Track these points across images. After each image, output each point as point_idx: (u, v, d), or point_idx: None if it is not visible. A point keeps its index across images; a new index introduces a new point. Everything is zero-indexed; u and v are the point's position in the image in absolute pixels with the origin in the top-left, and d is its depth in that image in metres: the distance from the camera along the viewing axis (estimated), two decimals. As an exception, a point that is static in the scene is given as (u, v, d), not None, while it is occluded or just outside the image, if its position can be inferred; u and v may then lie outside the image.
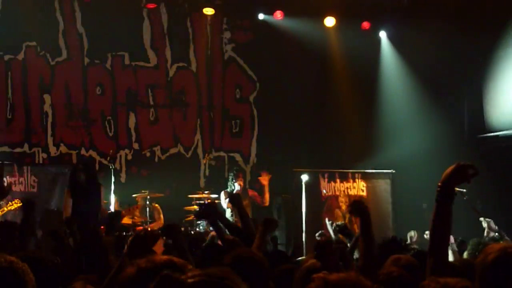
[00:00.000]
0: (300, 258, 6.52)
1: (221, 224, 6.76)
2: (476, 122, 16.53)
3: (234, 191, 13.47)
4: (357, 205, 5.26)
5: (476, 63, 16.31)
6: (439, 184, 3.94)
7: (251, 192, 13.87)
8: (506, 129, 15.54)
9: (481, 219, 11.60)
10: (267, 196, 13.81)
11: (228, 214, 13.14)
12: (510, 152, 15.30)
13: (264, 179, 13.74)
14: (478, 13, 15.51)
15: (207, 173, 16.22)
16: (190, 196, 14.12)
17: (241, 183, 13.69)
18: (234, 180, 13.87)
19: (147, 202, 13.48)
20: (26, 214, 6.58)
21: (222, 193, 13.68)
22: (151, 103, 15.97)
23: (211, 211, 6.47)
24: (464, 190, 14.66)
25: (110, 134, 15.59)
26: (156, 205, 13.61)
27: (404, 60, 17.10)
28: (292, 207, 14.64)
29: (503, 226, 11.62)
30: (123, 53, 15.78)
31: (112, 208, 12.75)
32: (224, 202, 13.46)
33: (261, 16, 16.50)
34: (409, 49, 16.84)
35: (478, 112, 16.49)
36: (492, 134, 16.03)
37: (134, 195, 13.65)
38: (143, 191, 13.58)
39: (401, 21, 16.74)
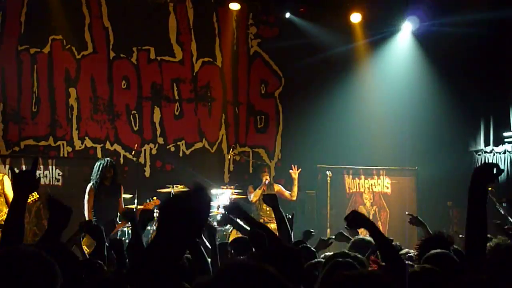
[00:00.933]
0: (325, 254, 6.41)
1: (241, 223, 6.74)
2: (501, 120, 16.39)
3: (261, 185, 13.50)
4: (354, 218, 4.97)
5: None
6: (471, 185, 3.92)
7: (277, 187, 13.82)
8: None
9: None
10: (295, 189, 13.77)
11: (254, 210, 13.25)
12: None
13: (294, 173, 13.69)
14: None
15: (231, 169, 16.20)
16: (213, 191, 14.08)
17: (267, 178, 13.63)
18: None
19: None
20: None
21: (249, 188, 13.73)
22: (176, 97, 15.96)
23: (236, 210, 6.39)
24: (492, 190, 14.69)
25: (135, 128, 15.60)
26: None
27: (426, 58, 16.98)
28: (316, 203, 14.62)
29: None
30: (148, 48, 15.78)
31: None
32: (250, 196, 13.55)
33: (287, 15, 16.42)
34: (433, 48, 16.73)
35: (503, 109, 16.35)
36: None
37: (158, 190, 13.63)
38: (167, 186, 13.56)
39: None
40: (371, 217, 13.47)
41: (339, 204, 14.64)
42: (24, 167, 13.10)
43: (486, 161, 15.78)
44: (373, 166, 15.67)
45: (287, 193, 13.75)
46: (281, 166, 16.45)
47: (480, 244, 3.99)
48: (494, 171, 3.99)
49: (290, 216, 6.79)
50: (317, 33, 16.32)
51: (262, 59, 16.74)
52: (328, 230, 13.79)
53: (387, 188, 15.51)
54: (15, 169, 10.99)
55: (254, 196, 13.51)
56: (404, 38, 16.93)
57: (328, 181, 14.08)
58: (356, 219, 4.94)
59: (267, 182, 13.58)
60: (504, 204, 14.44)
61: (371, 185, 15.48)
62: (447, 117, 16.36)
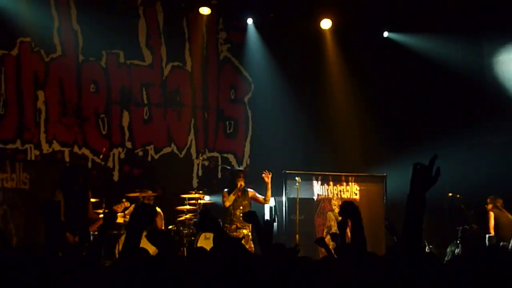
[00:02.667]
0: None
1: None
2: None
3: (235, 191, 13.40)
4: (348, 207, 5.28)
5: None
6: (410, 193, 3.75)
7: (251, 193, 13.75)
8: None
9: None
10: (269, 193, 13.67)
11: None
12: None
13: (267, 177, 13.63)
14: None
15: (200, 174, 16.16)
16: (182, 196, 14.03)
17: (242, 183, 13.60)
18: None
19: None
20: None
21: (223, 193, 13.58)
22: (145, 102, 15.89)
23: (254, 217, 6.36)
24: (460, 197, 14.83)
25: (104, 132, 15.48)
26: (159, 209, 13.44)
27: (398, 63, 17.13)
28: (284, 208, 14.59)
29: None
30: (118, 51, 15.68)
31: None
32: (224, 201, 13.39)
33: (250, 21, 16.51)
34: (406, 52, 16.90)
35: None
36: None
37: (127, 194, 13.54)
38: (136, 191, 13.49)
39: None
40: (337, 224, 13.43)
41: (308, 210, 14.64)
42: None
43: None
44: (342, 173, 15.69)
45: (261, 197, 13.67)
46: (249, 172, 16.44)
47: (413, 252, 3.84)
48: (433, 174, 3.81)
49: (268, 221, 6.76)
50: (287, 38, 16.38)
51: (232, 64, 16.74)
52: (297, 236, 13.78)
53: (356, 194, 15.54)
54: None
55: (228, 201, 13.45)
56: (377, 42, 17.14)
57: (297, 186, 14.07)
58: (350, 208, 5.24)
59: (241, 187, 13.51)
60: (471, 212, 14.62)
61: (340, 191, 15.49)
62: (415, 123, 16.53)
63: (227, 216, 13.29)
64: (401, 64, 17.29)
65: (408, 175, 3.81)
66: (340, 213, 5.43)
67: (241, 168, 15.28)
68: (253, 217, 6.27)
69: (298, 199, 14.09)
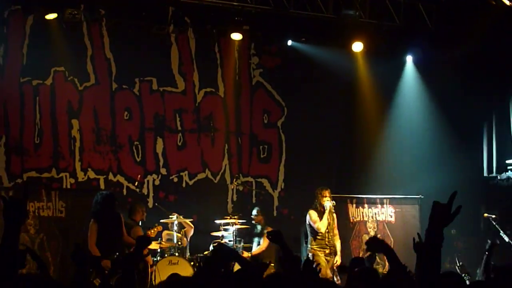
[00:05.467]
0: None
1: None
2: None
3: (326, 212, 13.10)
4: (374, 243, 5.50)
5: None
6: (428, 227, 3.80)
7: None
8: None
9: None
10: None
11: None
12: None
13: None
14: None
15: (234, 198, 16.13)
16: (217, 221, 14.03)
17: (333, 202, 13.29)
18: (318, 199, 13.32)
19: (175, 228, 13.46)
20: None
21: (311, 215, 13.30)
22: (179, 128, 15.93)
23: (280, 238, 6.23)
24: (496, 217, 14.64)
25: (138, 159, 15.54)
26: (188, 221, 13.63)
27: (427, 87, 17.05)
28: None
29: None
30: (151, 78, 15.76)
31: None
32: (315, 226, 13.15)
33: (289, 43, 16.47)
34: (434, 78, 16.81)
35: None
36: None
37: (161, 221, 13.59)
38: (170, 216, 13.54)
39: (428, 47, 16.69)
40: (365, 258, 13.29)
41: (343, 233, 14.54)
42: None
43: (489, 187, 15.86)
44: (377, 195, 15.60)
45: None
46: (284, 196, 16.43)
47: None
48: (451, 212, 3.87)
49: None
50: (319, 62, 16.35)
51: (264, 89, 16.76)
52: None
53: (391, 216, 15.44)
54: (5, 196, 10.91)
55: (322, 225, 13.09)
56: (407, 68, 17.05)
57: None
58: (375, 244, 5.42)
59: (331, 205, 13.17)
60: (508, 232, 14.42)
61: (375, 213, 15.40)
62: (450, 145, 16.42)
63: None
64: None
65: (444, 196, 3.83)
66: (368, 249, 5.45)
67: (263, 192, 15.29)
68: (279, 236, 6.03)
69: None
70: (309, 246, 13.37)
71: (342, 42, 16.28)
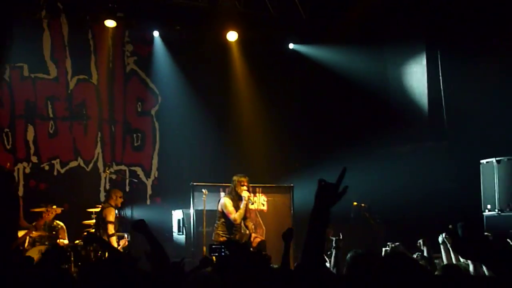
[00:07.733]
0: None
1: None
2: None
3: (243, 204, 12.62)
4: (289, 234, 6.83)
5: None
6: (313, 209, 3.57)
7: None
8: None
9: None
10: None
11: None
12: None
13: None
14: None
15: (107, 187, 16.03)
16: (89, 210, 13.92)
17: (249, 195, 12.81)
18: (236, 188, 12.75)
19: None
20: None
21: (225, 203, 12.74)
22: (51, 115, 15.71)
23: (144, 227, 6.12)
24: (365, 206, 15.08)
25: (8, 147, 15.25)
26: (61, 223, 13.32)
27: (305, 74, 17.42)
28: (192, 221, 14.60)
29: None
30: (22, 65, 15.47)
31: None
32: (231, 217, 12.59)
33: (156, 34, 16.52)
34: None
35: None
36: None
37: (32, 210, 13.37)
38: (41, 205, 13.31)
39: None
40: (251, 231, 13.39)
41: (215, 222, 14.66)
42: None
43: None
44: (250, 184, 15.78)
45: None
46: (157, 184, 16.46)
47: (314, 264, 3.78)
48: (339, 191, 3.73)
49: None
50: (194, 51, 16.44)
51: (138, 77, 16.71)
52: (204, 248, 13.80)
53: (263, 205, 15.63)
54: None
55: (238, 216, 12.57)
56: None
57: (204, 198, 14.06)
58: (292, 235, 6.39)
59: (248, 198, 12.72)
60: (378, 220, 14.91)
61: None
62: (321, 133, 16.81)
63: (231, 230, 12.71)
64: (307, 75, 17.58)
65: (314, 184, 3.71)
66: (283, 235, 6.15)
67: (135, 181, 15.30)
68: (142, 225, 5.82)
69: (205, 211, 14.09)
70: (217, 231, 12.90)
71: (217, 31, 16.42)
